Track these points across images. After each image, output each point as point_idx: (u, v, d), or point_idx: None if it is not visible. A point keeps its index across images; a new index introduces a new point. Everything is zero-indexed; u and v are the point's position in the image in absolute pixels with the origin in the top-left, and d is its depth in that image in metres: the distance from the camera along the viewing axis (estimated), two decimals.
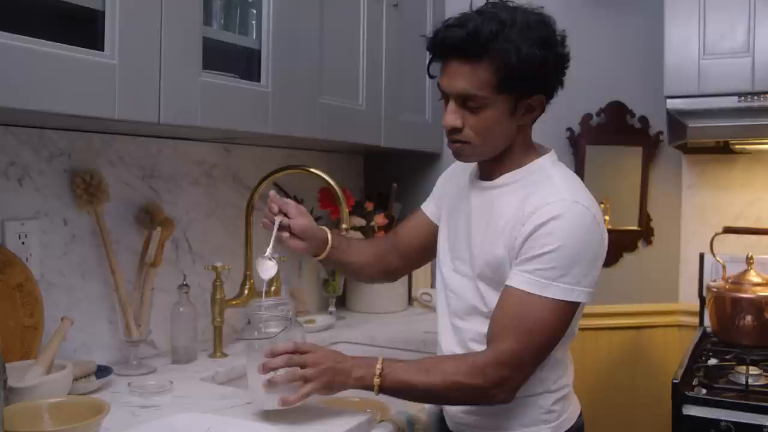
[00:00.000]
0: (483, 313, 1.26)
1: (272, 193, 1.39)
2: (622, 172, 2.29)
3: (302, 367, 1.14)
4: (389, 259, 1.52)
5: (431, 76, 1.29)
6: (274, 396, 1.14)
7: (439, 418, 1.42)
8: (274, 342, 1.17)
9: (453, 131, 1.21)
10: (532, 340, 1.16)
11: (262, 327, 1.20)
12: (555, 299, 1.15)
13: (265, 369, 1.14)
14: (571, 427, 1.32)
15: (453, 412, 1.34)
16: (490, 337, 1.19)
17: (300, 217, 1.37)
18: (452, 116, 1.20)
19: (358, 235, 2.09)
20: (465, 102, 1.18)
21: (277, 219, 1.35)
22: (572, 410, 1.34)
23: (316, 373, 1.14)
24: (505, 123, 1.20)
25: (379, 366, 1.17)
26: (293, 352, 1.15)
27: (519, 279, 1.17)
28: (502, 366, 1.16)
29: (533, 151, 1.28)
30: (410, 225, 1.51)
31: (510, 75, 1.14)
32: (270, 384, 1.14)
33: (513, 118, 1.21)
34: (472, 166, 1.34)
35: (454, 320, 1.32)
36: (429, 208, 1.48)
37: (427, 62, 1.27)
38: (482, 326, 1.24)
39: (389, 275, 1.57)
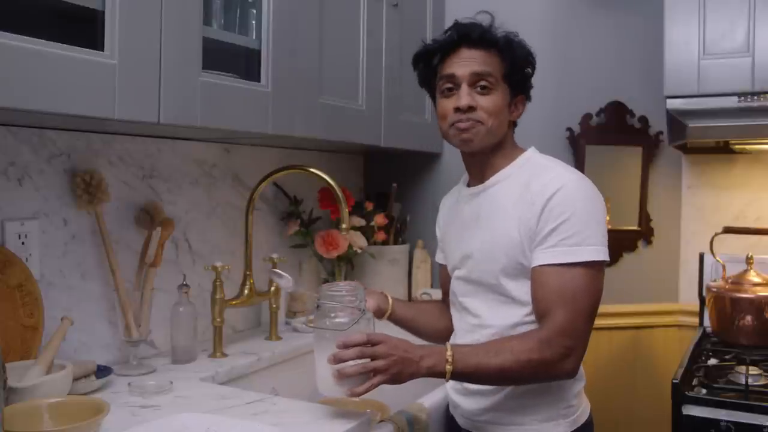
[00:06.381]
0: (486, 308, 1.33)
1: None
2: (622, 172, 2.29)
3: (373, 358, 1.15)
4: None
5: (425, 80, 1.38)
6: (342, 385, 1.15)
7: (447, 417, 1.42)
8: (346, 333, 1.16)
9: (469, 110, 1.28)
10: (578, 307, 1.21)
11: (333, 315, 1.20)
12: (586, 262, 1.21)
13: (337, 360, 1.14)
14: (586, 421, 1.34)
15: (469, 410, 1.35)
16: (540, 316, 1.23)
17: None
18: (467, 97, 1.28)
19: (358, 234, 2.08)
20: (477, 82, 1.28)
21: None
22: (585, 404, 1.37)
23: (387, 365, 1.14)
24: (505, 112, 1.32)
25: (449, 353, 1.18)
26: (365, 344, 1.15)
27: (547, 255, 1.22)
28: (564, 336, 1.20)
29: (518, 148, 1.38)
30: (444, 280, 1.53)
31: (513, 66, 1.30)
32: (340, 374, 1.14)
33: (508, 112, 1.33)
34: (453, 192, 1.47)
35: (466, 317, 1.38)
36: (441, 257, 1.53)
37: (416, 61, 1.37)
38: (488, 317, 1.32)
39: None
